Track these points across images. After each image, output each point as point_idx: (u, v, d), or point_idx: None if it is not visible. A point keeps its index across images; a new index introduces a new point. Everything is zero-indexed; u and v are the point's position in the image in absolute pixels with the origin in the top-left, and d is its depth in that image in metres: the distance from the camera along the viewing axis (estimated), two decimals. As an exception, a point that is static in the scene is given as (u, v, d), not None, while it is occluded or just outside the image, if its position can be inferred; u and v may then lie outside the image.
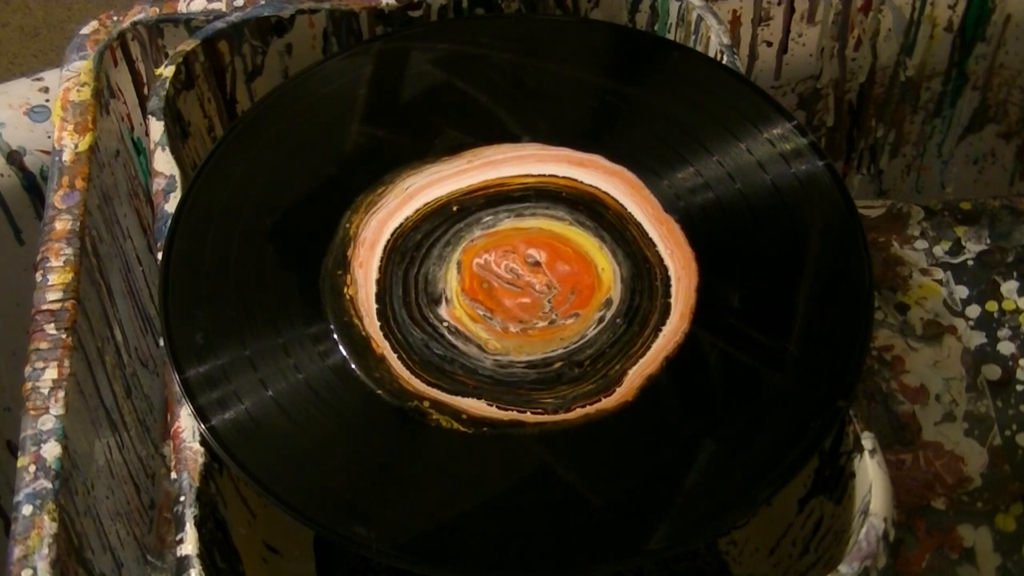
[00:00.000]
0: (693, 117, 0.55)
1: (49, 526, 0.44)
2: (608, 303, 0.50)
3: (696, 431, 0.46)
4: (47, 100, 0.66)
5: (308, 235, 0.51)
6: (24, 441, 0.47)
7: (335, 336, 0.48)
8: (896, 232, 0.73)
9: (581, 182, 0.54)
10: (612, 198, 0.53)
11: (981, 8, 0.72)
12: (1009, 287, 0.70)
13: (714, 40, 0.60)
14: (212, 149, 0.55)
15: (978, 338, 0.67)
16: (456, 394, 0.47)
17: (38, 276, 0.51)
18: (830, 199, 0.52)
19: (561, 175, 0.54)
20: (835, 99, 0.75)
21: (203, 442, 0.46)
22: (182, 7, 0.61)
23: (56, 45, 1.47)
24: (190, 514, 0.44)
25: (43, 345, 0.49)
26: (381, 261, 0.51)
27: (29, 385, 0.48)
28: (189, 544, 0.43)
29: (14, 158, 0.65)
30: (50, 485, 0.45)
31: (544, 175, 0.54)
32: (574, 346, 0.49)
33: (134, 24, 0.60)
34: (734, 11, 0.69)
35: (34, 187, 0.65)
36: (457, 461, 0.46)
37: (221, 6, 0.61)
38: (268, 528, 0.51)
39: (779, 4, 0.70)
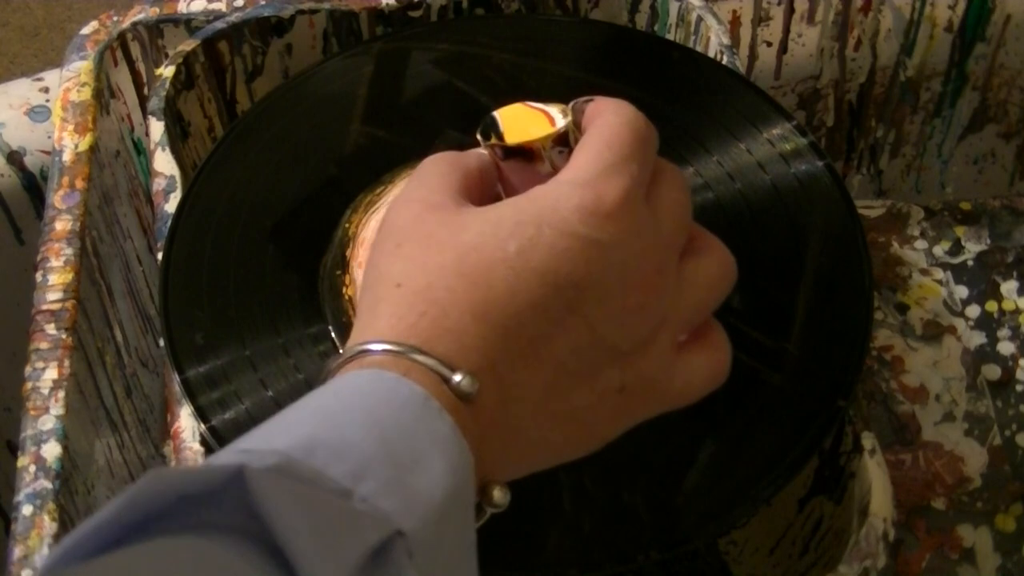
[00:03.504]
0: (693, 117, 0.55)
1: (49, 526, 0.44)
2: (608, 303, 0.50)
3: (696, 431, 0.46)
4: (47, 100, 0.66)
5: (308, 235, 0.51)
6: (24, 441, 0.47)
7: (334, 336, 0.48)
8: (896, 232, 0.73)
9: (581, 182, 0.54)
10: (612, 198, 0.53)
11: (981, 8, 0.72)
12: (1009, 287, 0.70)
13: (714, 40, 0.60)
14: (212, 149, 0.55)
15: (978, 338, 0.67)
16: (456, 394, 0.47)
17: (38, 276, 0.51)
18: (830, 199, 0.52)
19: (561, 175, 0.54)
20: (835, 99, 0.75)
21: (203, 442, 0.46)
22: (182, 7, 0.61)
23: (56, 45, 1.47)
24: (190, 514, 0.44)
25: (43, 345, 0.49)
26: (381, 261, 0.51)
27: (29, 385, 0.48)
28: (189, 544, 0.43)
29: (14, 158, 0.65)
30: (50, 485, 0.45)
31: (544, 175, 0.54)
32: (574, 346, 0.49)
33: (134, 24, 0.60)
34: (734, 11, 0.70)
35: (34, 187, 0.65)
36: (457, 461, 0.46)
37: (221, 6, 0.61)
38: (268, 528, 0.51)
39: (779, 4, 0.70)
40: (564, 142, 0.39)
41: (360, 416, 0.32)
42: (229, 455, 0.31)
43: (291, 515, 0.28)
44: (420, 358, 0.34)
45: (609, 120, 0.39)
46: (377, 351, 0.35)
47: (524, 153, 0.39)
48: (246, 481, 0.29)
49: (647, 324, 0.38)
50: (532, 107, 0.40)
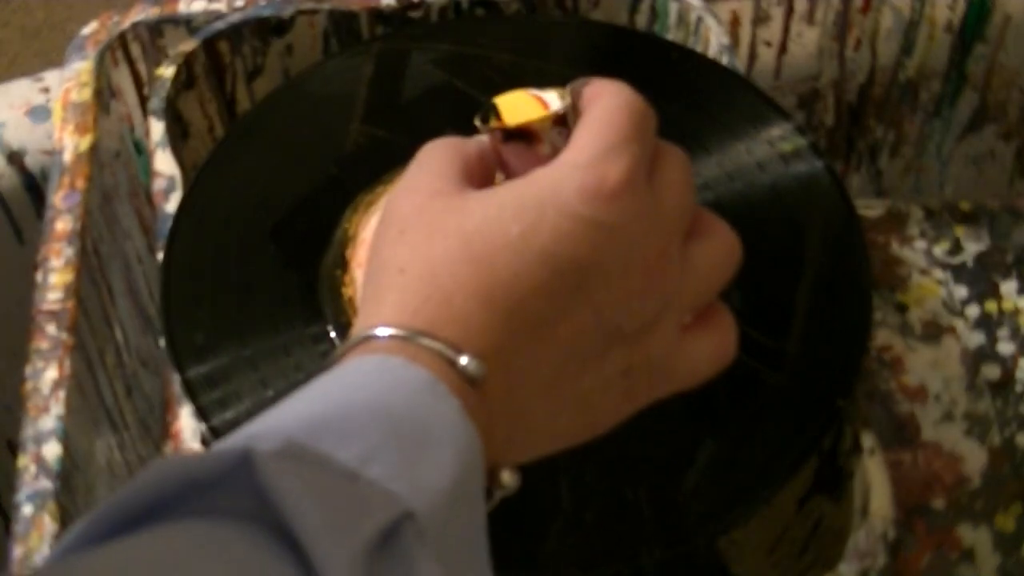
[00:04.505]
0: (692, 118, 0.55)
1: (50, 526, 0.44)
2: (608, 303, 0.50)
3: (696, 431, 0.46)
4: (48, 100, 0.67)
5: (308, 235, 0.51)
6: (25, 441, 0.47)
7: (333, 336, 0.48)
8: (895, 232, 0.73)
9: (581, 182, 0.54)
10: (612, 198, 0.53)
11: (980, 8, 0.72)
12: (1008, 287, 0.70)
13: (713, 41, 0.60)
14: (213, 149, 0.55)
15: (977, 338, 0.67)
16: (456, 394, 0.47)
17: (39, 276, 0.52)
18: (829, 199, 0.52)
19: (561, 175, 0.54)
20: (835, 99, 0.75)
21: (204, 442, 0.46)
22: (183, 7, 0.61)
23: (57, 45, 1.47)
24: (190, 514, 0.44)
25: (44, 345, 0.49)
26: (381, 261, 0.51)
27: (30, 385, 0.48)
28: (189, 544, 0.43)
29: (14, 158, 0.65)
30: (51, 485, 0.45)
31: (544, 175, 0.54)
32: (574, 346, 0.49)
33: (134, 24, 0.60)
34: (733, 12, 0.70)
35: (34, 187, 0.65)
36: (457, 461, 0.45)
37: (221, 7, 0.61)
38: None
39: (778, 4, 0.70)
40: (564, 123, 0.39)
41: (367, 401, 0.32)
42: (236, 441, 0.31)
43: (299, 497, 0.28)
44: (426, 342, 0.34)
45: (608, 102, 0.39)
46: (383, 337, 0.35)
47: (524, 136, 0.39)
48: (253, 465, 0.29)
49: (652, 306, 0.38)
50: (530, 94, 0.40)
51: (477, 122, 0.40)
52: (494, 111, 0.40)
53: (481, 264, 0.35)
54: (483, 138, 0.40)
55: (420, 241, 0.36)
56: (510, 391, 0.36)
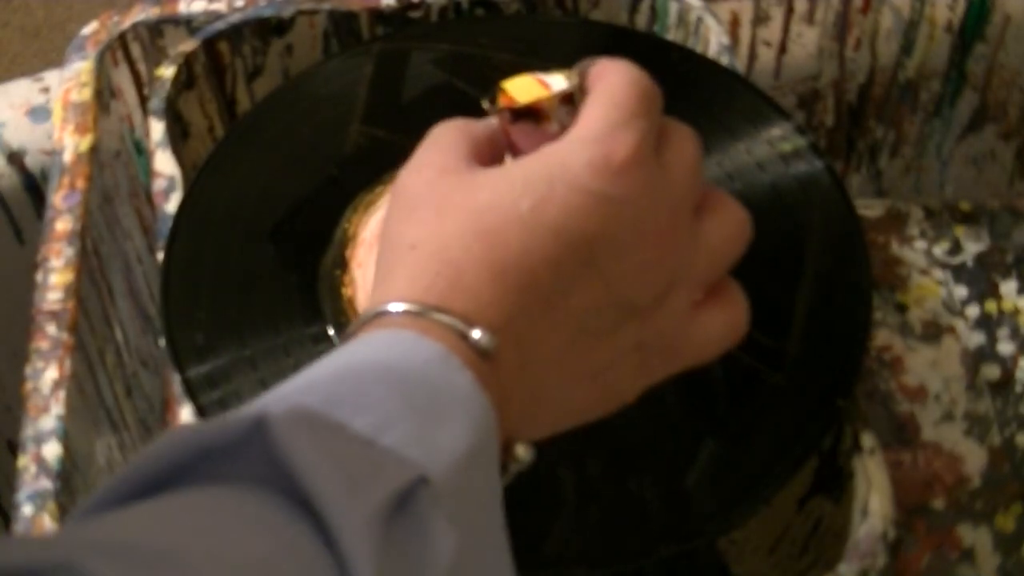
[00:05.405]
0: (692, 118, 0.55)
1: (50, 526, 0.44)
2: (608, 303, 0.50)
3: (697, 430, 0.46)
4: (48, 100, 0.67)
5: (308, 235, 0.51)
6: (25, 441, 0.47)
7: (333, 336, 0.48)
8: (895, 232, 0.73)
9: (581, 182, 0.54)
10: (612, 198, 0.53)
11: (980, 8, 0.72)
12: (1008, 287, 0.70)
13: (713, 41, 0.60)
14: (213, 149, 0.55)
15: (977, 338, 0.67)
16: (456, 394, 0.47)
17: (39, 276, 0.51)
18: (829, 199, 0.52)
19: (561, 175, 0.54)
20: (834, 99, 0.75)
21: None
22: (183, 8, 0.61)
23: (57, 45, 1.47)
24: (191, 514, 0.44)
25: (44, 345, 0.49)
26: (381, 261, 0.51)
27: (30, 385, 0.48)
28: (190, 544, 0.43)
29: (14, 158, 0.65)
30: (51, 485, 0.45)
31: (544, 175, 0.54)
32: (574, 346, 0.49)
33: (135, 25, 0.60)
34: (733, 12, 0.70)
35: (34, 187, 0.65)
36: (457, 461, 0.45)
37: (222, 7, 0.61)
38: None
39: (778, 4, 0.70)
40: (571, 102, 0.40)
41: (381, 373, 0.32)
42: (250, 409, 0.30)
43: (313, 461, 0.28)
44: (438, 316, 0.34)
45: (614, 79, 0.39)
46: (395, 312, 0.35)
47: (532, 115, 0.40)
48: (267, 430, 0.29)
49: (662, 280, 0.38)
50: (536, 77, 0.41)
51: (485, 104, 0.40)
52: (502, 93, 0.40)
53: (492, 239, 0.36)
54: (491, 120, 0.41)
55: (431, 217, 0.37)
56: (523, 365, 0.36)
